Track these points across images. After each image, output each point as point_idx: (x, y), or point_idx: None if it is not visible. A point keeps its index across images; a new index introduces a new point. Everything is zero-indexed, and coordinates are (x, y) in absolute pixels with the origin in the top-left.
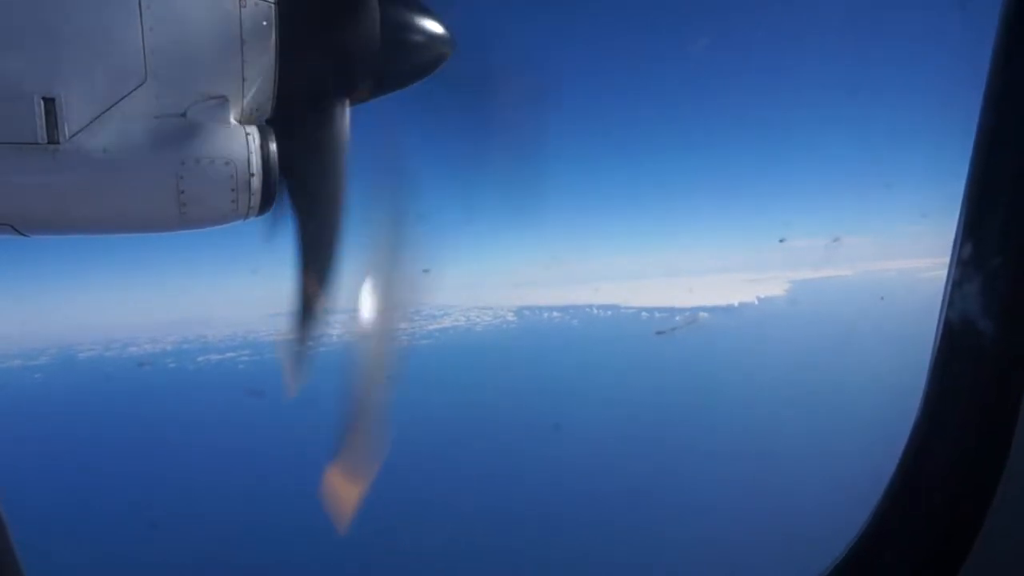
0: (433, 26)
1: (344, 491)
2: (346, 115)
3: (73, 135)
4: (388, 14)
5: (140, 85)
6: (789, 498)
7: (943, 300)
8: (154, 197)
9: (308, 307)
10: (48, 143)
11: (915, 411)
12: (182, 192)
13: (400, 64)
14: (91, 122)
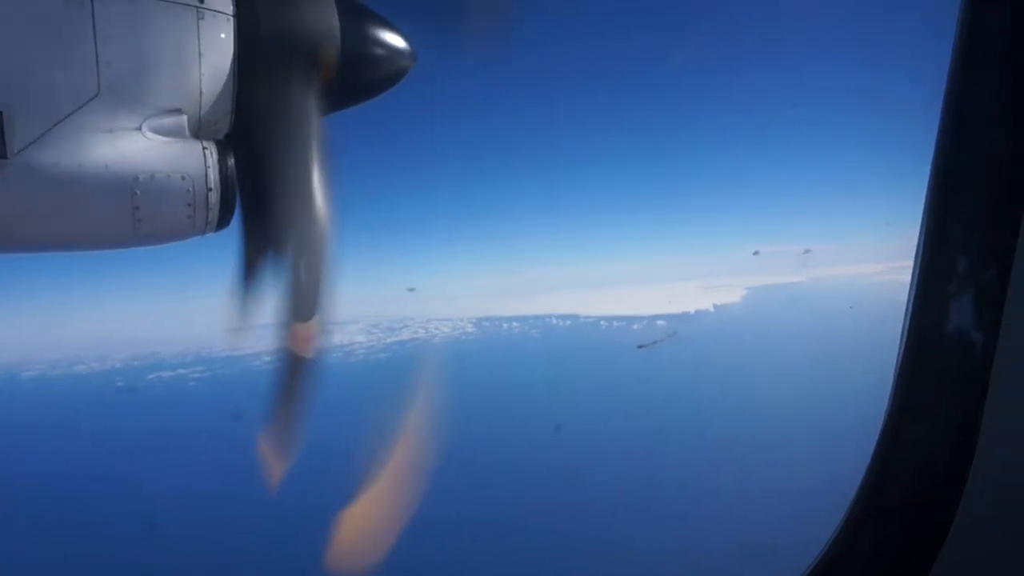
0: (395, 39)
1: (273, 457)
2: (310, 127)
3: (22, 149)
4: (349, 27)
5: (93, 98)
6: (755, 506)
7: (908, 304)
8: (107, 213)
9: (279, 324)
10: None
11: (879, 415)
12: (137, 208)
13: (361, 77)
14: (41, 136)
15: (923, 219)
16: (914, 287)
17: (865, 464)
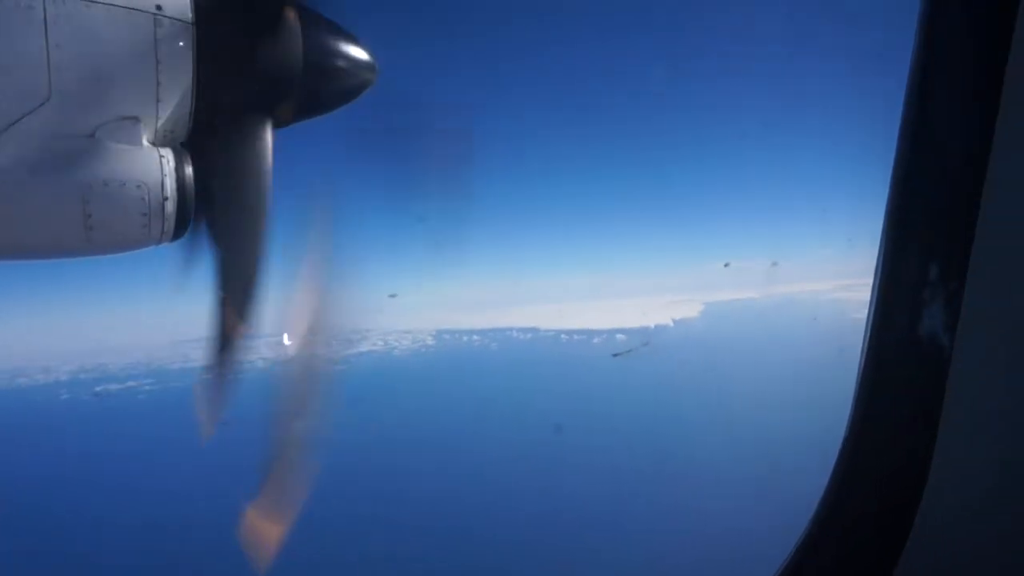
0: (357, 52)
1: (265, 531)
2: (267, 138)
3: None
4: (311, 38)
5: (43, 103)
6: (720, 517)
7: (868, 315)
8: (58, 221)
9: (225, 335)
10: None
11: (842, 423)
12: (89, 216)
13: (323, 89)
14: None
15: (883, 230)
16: (874, 297)
17: (828, 472)
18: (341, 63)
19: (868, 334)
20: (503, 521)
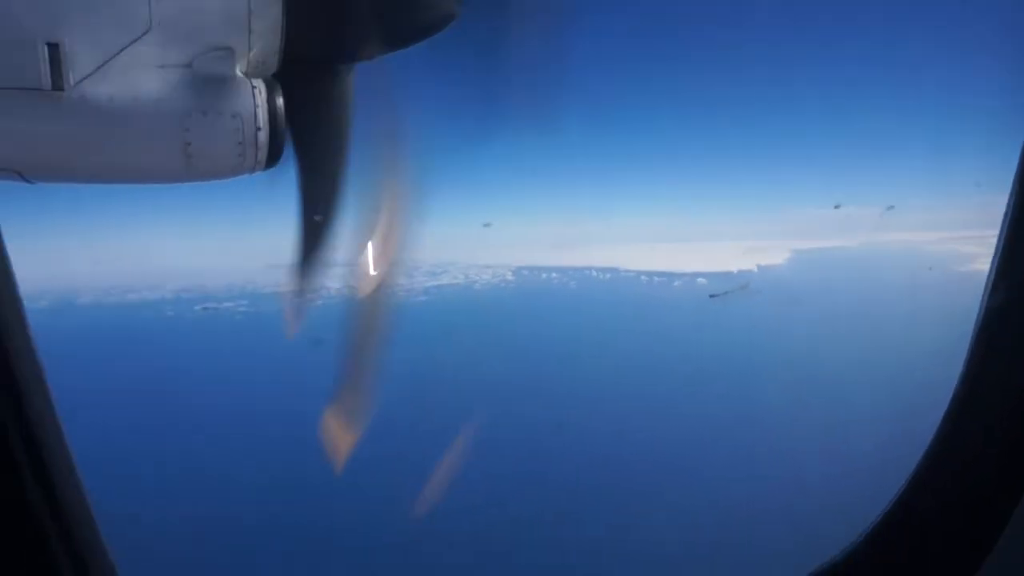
0: None
1: (339, 435)
2: (351, 71)
3: (78, 82)
4: None
5: (145, 33)
6: (795, 485)
7: (987, 284)
8: (159, 148)
9: (310, 259)
10: (52, 89)
11: (942, 400)
12: (188, 144)
13: (408, 21)
14: (96, 70)
15: (1014, 186)
16: (995, 267)
17: (923, 448)
18: None
19: (987, 294)
20: (576, 464)
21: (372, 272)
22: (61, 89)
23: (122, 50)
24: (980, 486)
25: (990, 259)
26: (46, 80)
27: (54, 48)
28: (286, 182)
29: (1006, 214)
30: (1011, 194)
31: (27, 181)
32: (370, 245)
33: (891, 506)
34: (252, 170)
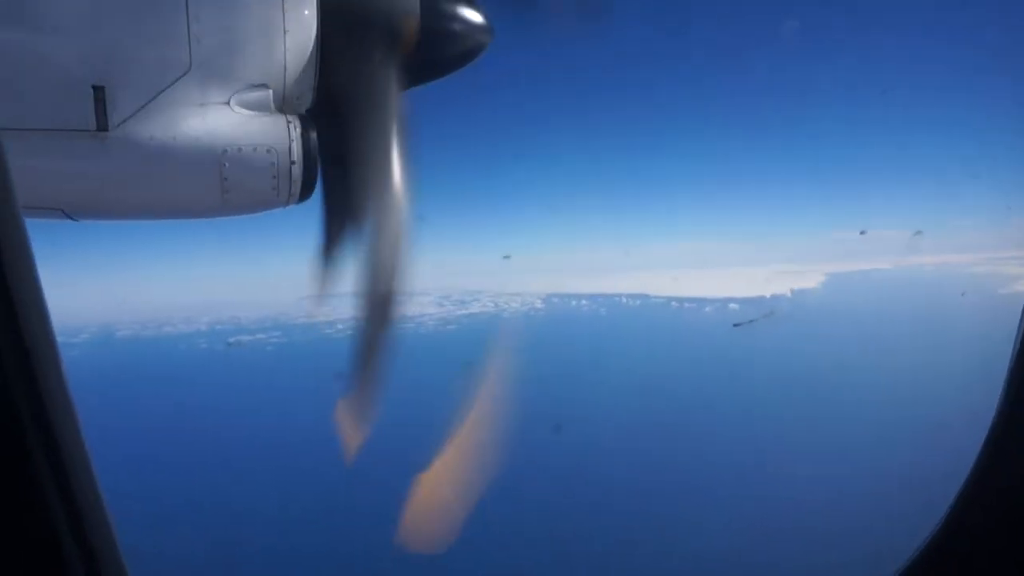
0: (473, 15)
1: (350, 428)
2: (386, 104)
3: (121, 122)
4: (429, 2)
5: (185, 73)
6: (834, 508)
7: None
8: (198, 184)
9: (380, 304)
10: (97, 130)
11: (984, 419)
12: (225, 179)
13: (440, 53)
14: (138, 110)
15: None
16: None
17: (964, 473)
18: (458, 26)
19: None
20: (626, 485)
21: (382, 295)
22: (106, 130)
23: (163, 90)
24: None
25: None
26: (91, 121)
27: (99, 90)
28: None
29: None
30: None
31: (71, 219)
32: (388, 275)
33: (936, 530)
34: (286, 203)
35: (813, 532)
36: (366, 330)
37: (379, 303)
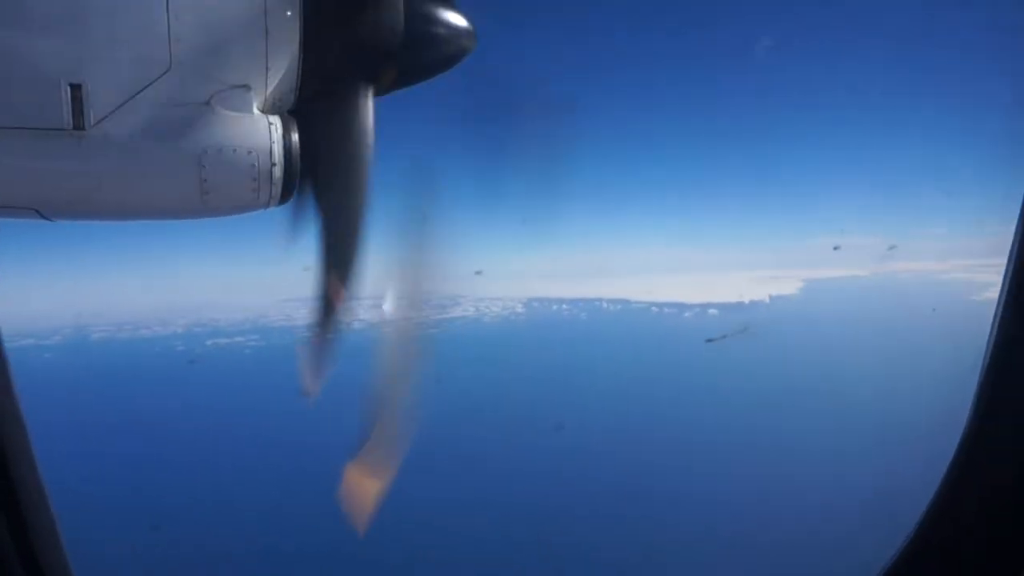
0: (457, 19)
1: (363, 489)
2: (369, 106)
3: (98, 121)
4: (412, 6)
5: (165, 73)
6: (811, 505)
7: (998, 304)
8: (177, 184)
9: (326, 297)
10: (74, 129)
11: (958, 421)
12: (204, 180)
13: (423, 57)
14: (116, 109)
15: (1021, 216)
16: (1007, 285)
17: (941, 473)
18: (442, 30)
19: (997, 322)
20: (610, 491)
21: (394, 309)
22: (82, 128)
23: (142, 89)
24: (999, 510)
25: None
26: (68, 120)
27: (76, 89)
28: (303, 217)
29: (1013, 243)
30: (1018, 221)
31: (46, 219)
32: (385, 280)
33: (912, 534)
34: (267, 205)
35: (788, 539)
36: (387, 366)
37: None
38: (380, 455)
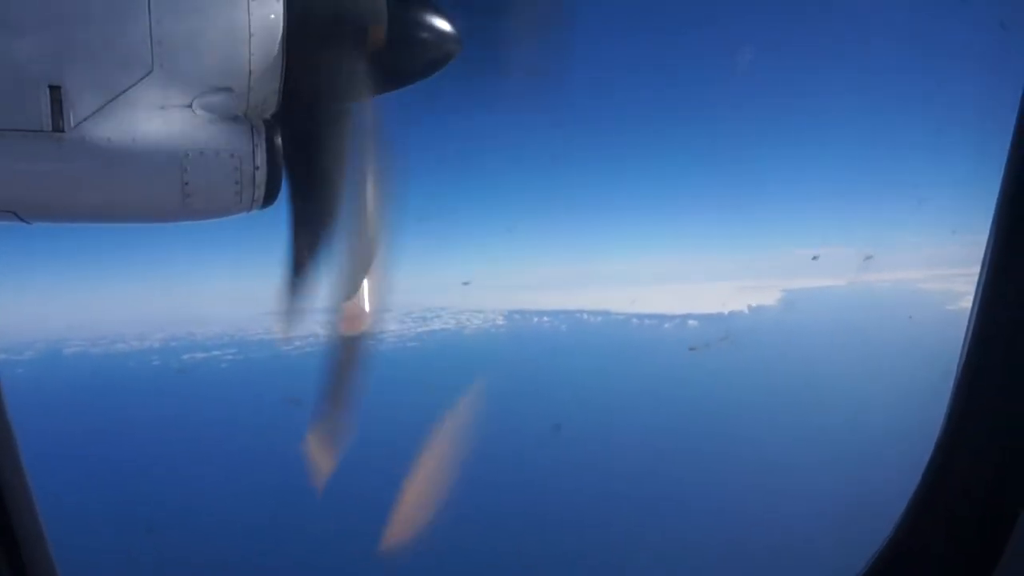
0: (441, 24)
1: (320, 455)
2: (351, 111)
3: (78, 123)
4: (396, 10)
5: (147, 75)
6: (790, 512)
7: (971, 312)
8: (158, 188)
9: (297, 306)
10: (53, 131)
11: (935, 425)
12: (186, 183)
13: (406, 61)
14: (96, 111)
15: (993, 226)
16: (980, 294)
17: (919, 473)
18: (426, 35)
19: (971, 329)
20: (591, 501)
21: (359, 312)
22: (61, 131)
23: (123, 92)
24: (973, 512)
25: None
26: (47, 122)
27: (56, 90)
28: (281, 226)
29: (986, 253)
30: (990, 231)
31: (24, 222)
32: (357, 290)
33: (888, 539)
34: (249, 209)
35: (768, 544)
36: (338, 351)
37: (350, 320)
38: (334, 427)
